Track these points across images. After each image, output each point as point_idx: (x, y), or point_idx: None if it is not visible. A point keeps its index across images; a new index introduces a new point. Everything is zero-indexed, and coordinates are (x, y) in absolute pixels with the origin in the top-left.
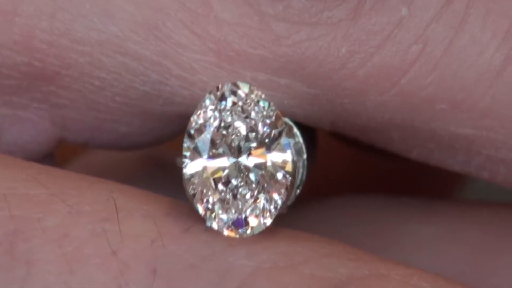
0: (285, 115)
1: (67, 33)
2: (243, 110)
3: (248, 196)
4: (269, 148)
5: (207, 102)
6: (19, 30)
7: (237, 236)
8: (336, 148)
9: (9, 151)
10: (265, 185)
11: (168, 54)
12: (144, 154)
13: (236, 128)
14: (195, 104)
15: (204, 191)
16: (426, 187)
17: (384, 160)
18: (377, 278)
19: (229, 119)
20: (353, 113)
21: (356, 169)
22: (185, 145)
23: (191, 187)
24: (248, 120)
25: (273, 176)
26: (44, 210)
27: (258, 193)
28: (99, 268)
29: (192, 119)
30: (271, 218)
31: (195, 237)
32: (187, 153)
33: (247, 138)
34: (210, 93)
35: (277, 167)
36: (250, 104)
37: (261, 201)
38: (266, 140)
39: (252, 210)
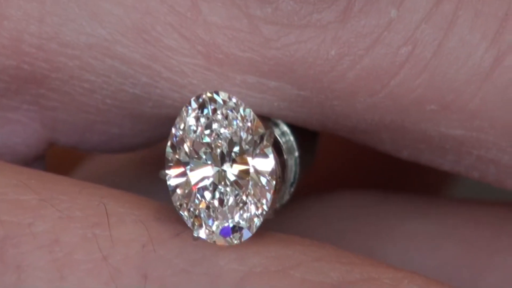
0: (274, 118)
1: (55, 37)
2: (224, 118)
3: (234, 203)
4: (251, 155)
5: (188, 111)
6: (8, 34)
7: (226, 244)
8: (334, 144)
9: None
10: (251, 191)
11: (158, 57)
12: (146, 155)
13: (218, 136)
14: None
15: (190, 201)
16: (420, 183)
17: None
18: (368, 282)
19: (210, 128)
20: (343, 115)
21: (353, 165)
22: (168, 157)
23: (177, 197)
24: (229, 128)
25: (257, 182)
26: (34, 215)
27: (244, 199)
28: (90, 274)
29: (173, 129)
30: (258, 223)
31: (185, 241)
32: (170, 164)
33: (229, 146)
34: (189, 103)
35: (261, 173)
36: (232, 111)
37: (247, 207)
38: (248, 147)
39: (239, 217)
